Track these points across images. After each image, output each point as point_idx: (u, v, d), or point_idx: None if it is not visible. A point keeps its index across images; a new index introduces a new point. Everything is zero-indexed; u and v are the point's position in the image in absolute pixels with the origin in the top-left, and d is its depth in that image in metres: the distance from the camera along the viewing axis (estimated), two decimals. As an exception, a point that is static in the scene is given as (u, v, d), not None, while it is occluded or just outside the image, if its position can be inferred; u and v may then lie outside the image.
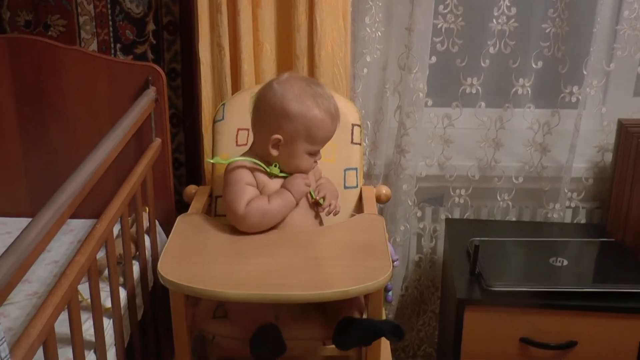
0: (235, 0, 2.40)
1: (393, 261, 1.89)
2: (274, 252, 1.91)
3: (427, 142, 2.74)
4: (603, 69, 2.61)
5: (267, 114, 2.02)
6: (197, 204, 2.25)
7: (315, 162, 2.07)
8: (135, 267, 2.32)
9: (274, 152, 2.02)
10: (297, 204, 2.03)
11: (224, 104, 2.40)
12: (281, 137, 1.99)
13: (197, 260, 1.88)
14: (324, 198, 2.10)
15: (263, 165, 2.03)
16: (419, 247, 2.92)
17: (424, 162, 2.75)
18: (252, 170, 2.04)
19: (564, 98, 2.62)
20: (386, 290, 2.14)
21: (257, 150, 2.08)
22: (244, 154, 2.10)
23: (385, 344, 2.17)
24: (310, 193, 2.10)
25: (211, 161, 2.19)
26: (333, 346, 1.95)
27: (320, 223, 2.15)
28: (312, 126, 1.97)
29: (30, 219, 1.62)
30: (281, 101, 1.98)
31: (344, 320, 1.90)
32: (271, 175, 2.05)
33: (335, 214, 2.12)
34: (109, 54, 2.72)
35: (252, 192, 2.01)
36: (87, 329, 1.94)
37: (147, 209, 2.48)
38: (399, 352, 3.07)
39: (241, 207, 1.97)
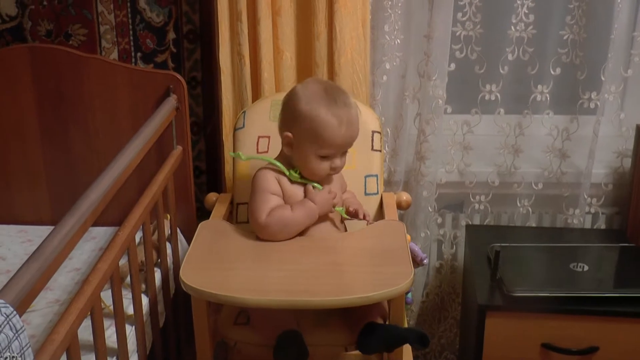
0: (256, 8, 2.41)
1: (422, 259, 1.90)
2: (295, 259, 1.92)
3: (447, 148, 2.75)
4: (621, 74, 2.60)
5: (284, 112, 2.06)
6: (218, 211, 2.27)
7: (333, 169, 2.06)
8: (157, 274, 2.33)
9: (287, 151, 2.04)
10: (319, 217, 2.04)
11: (244, 112, 2.41)
12: (291, 135, 2.01)
13: (219, 266, 1.89)
14: (356, 210, 2.13)
15: (284, 168, 2.04)
16: (440, 254, 2.92)
17: (443, 169, 2.75)
18: (277, 173, 2.06)
19: (582, 104, 2.62)
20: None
21: (283, 154, 2.10)
22: (275, 159, 2.12)
23: (407, 351, 2.17)
24: (339, 210, 2.10)
25: (232, 154, 2.21)
26: (355, 352, 1.96)
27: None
28: (316, 128, 1.97)
29: (51, 227, 1.64)
30: (295, 101, 2.01)
31: (368, 325, 1.90)
32: (292, 181, 2.06)
33: (368, 221, 2.14)
34: (130, 63, 2.73)
35: (275, 201, 2.02)
36: (110, 335, 1.95)
37: (169, 216, 2.50)
38: (420, 359, 3.06)
39: (263, 216, 1.98)
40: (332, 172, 2.07)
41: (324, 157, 2.02)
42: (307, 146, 2.00)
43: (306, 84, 2.06)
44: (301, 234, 2.04)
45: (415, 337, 1.88)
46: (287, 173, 2.04)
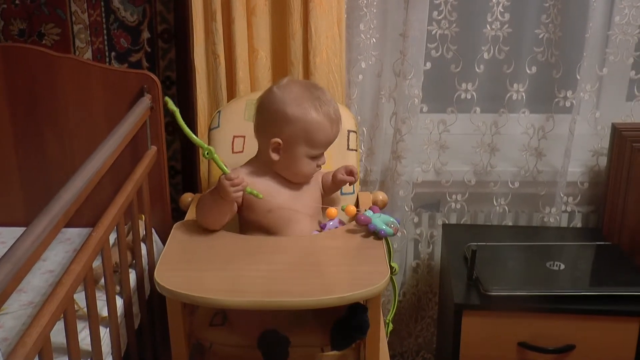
0: (230, 8, 2.40)
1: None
2: (271, 259, 1.91)
3: (423, 147, 2.75)
4: (596, 73, 2.62)
5: (267, 118, 2.03)
6: (194, 212, 2.25)
7: (319, 166, 2.07)
8: (132, 276, 2.31)
9: (275, 157, 2.02)
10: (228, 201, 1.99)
11: (219, 112, 2.40)
12: (280, 141, 1.99)
13: (194, 267, 1.87)
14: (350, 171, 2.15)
15: (201, 143, 1.97)
16: (416, 253, 2.92)
17: (420, 168, 2.75)
18: (250, 174, 2.06)
19: (558, 103, 2.63)
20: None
21: (261, 157, 2.08)
22: (249, 161, 2.12)
23: (383, 350, 2.16)
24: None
25: (206, 156, 2.01)
26: (331, 353, 1.95)
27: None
28: (310, 129, 1.97)
29: (24, 229, 1.61)
30: (280, 105, 1.98)
31: (336, 323, 1.91)
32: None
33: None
34: (104, 63, 2.71)
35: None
36: (84, 338, 1.93)
37: (144, 217, 2.48)
38: (398, 358, 3.06)
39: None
40: (319, 169, 2.09)
41: (313, 157, 2.03)
42: (299, 149, 1.99)
43: (285, 86, 2.03)
44: (277, 233, 2.04)
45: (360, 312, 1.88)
46: (247, 191, 1.97)
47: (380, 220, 1.97)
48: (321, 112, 1.97)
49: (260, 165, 2.08)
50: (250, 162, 2.11)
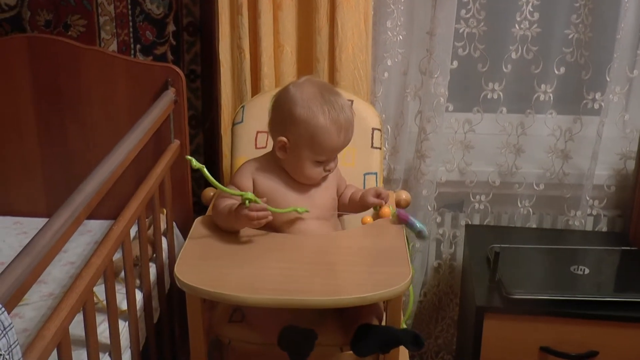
0: (256, 2, 2.39)
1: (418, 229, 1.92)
2: (292, 257, 1.89)
3: (448, 147, 2.73)
4: (626, 75, 2.58)
5: (278, 115, 2.02)
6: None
7: (327, 170, 2.04)
8: (152, 270, 2.32)
9: (281, 155, 2.01)
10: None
11: (243, 107, 2.39)
12: (286, 140, 1.98)
13: (215, 263, 1.87)
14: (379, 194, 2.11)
15: (240, 193, 1.92)
16: (438, 253, 2.90)
17: (444, 168, 2.73)
18: (258, 170, 2.05)
19: (586, 104, 2.59)
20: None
21: (274, 153, 2.07)
22: (264, 155, 2.12)
23: (403, 352, 2.14)
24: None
25: (194, 165, 1.91)
26: (350, 352, 1.93)
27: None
28: (315, 134, 1.94)
29: (46, 219, 1.61)
30: (291, 104, 1.97)
31: (362, 326, 1.88)
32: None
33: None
34: (129, 55, 2.71)
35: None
36: (103, 331, 1.93)
37: (165, 211, 2.48)
38: (417, 359, 3.04)
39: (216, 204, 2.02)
40: (327, 173, 2.06)
41: (318, 162, 2.00)
42: (303, 152, 1.97)
43: (300, 85, 2.01)
44: (298, 231, 2.02)
45: (409, 339, 1.85)
46: (242, 195, 1.91)
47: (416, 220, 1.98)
48: (328, 118, 1.94)
49: (272, 161, 2.07)
50: (264, 156, 2.10)
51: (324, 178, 2.08)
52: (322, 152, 1.98)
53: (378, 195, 2.10)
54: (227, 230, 1.98)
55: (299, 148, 1.97)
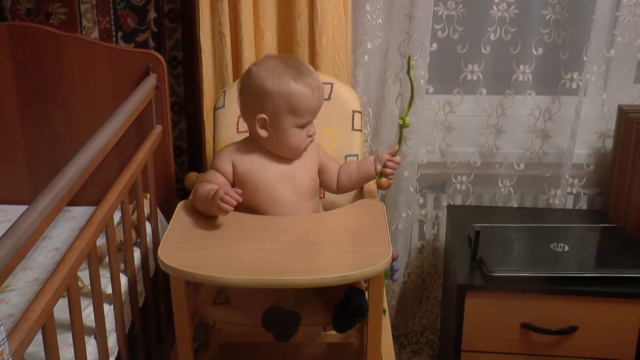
0: (236, -13, 2.40)
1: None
2: (274, 238, 1.91)
3: (429, 129, 2.74)
4: (603, 55, 2.61)
5: (248, 96, 2.04)
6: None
7: (310, 136, 2.07)
8: (137, 254, 2.33)
9: (263, 133, 2.02)
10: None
11: (224, 91, 2.40)
12: (266, 116, 2.00)
13: (198, 246, 1.88)
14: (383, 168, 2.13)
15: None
16: (421, 234, 2.92)
17: (425, 149, 2.75)
18: (240, 152, 2.08)
19: (564, 84, 2.62)
20: (392, 270, 2.13)
21: (252, 136, 2.09)
22: (243, 139, 2.13)
23: (386, 331, 2.16)
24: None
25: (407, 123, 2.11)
26: (334, 332, 1.96)
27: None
28: (292, 99, 1.96)
29: (30, 206, 1.62)
30: (259, 81, 1.99)
31: (338, 305, 1.91)
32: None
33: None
34: (111, 42, 2.72)
35: (213, 178, 2.05)
36: (88, 315, 1.95)
37: (149, 195, 2.49)
38: (402, 339, 3.07)
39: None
40: (310, 139, 2.08)
41: (301, 127, 2.02)
42: (284, 120, 1.99)
43: (261, 62, 2.04)
44: (264, 213, 2.04)
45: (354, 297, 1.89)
46: None
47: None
48: (300, 82, 1.97)
49: (251, 144, 2.08)
50: (242, 141, 2.12)
51: (307, 148, 2.10)
52: (303, 114, 2.00)
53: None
54: (206, 214, 1.99)
55: (279, 119, 1.99)
